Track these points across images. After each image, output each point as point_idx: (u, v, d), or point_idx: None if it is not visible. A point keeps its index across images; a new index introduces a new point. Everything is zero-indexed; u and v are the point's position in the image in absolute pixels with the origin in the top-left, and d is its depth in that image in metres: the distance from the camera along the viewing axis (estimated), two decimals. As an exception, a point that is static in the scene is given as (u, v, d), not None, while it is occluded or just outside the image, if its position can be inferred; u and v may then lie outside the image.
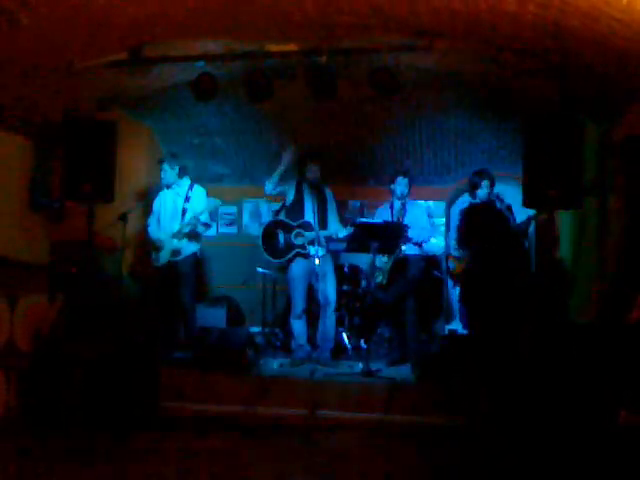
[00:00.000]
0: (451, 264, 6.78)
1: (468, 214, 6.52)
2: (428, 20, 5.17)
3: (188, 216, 6.80)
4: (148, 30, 5.47)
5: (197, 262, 7.14)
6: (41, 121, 6.47)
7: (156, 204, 7.08)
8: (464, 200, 7.58)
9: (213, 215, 6.83)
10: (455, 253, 6.68)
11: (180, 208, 6.89)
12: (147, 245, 7.18)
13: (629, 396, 4.02)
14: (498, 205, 6.28)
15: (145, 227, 7.17)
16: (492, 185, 6.45)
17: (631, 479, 3.68)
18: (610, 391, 4.22)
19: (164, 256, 6.82)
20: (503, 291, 5.94)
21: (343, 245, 6.74)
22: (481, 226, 6.28)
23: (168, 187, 6.97)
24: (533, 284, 5.77)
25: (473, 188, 6.50)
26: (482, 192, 6.41)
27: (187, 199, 6.90)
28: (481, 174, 6.49)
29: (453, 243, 6.75)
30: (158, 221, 7.01)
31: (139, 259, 7.94)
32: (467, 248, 6.46)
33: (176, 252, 6.81)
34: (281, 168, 6.58)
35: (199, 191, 6.98)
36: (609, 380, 4.28)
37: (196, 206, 6.86)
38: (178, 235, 6.78)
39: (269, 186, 6.65)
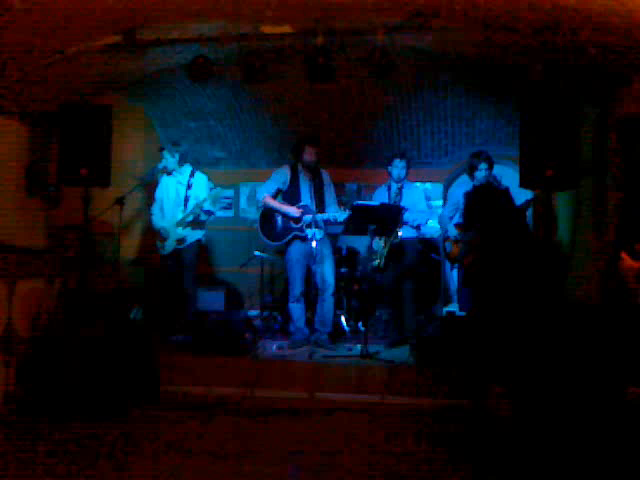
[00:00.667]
0: (448, 246, 6.77)
1: (473, 196, 6.48)
2: (424, 0, 5.14)
3: (191, 204, 6.89)
4: (142, 13, 5.43)
5: (200, 248, 7.21)
6: (36, 106, 6.44)
7: (158, 192, 7.13)
8: (462, 182, 7.56)
9: (216, 202, 6.90)
10: (452, 235, 6.67)
11: (183, 196, 6.98)
12: (146, 230, 7.19)
13: (637, 372, 4.04)
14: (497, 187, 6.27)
15: (149, 216, 7.23)
16: (490, 167, 6.44)
17: None
18: (617, 368, 4.23)
19: (170, 245, 6.94)
20: (510, 272, 5.92)
21: (341, 228, 6.74)
22: (487, 208, 6.25)
23: (169, 174, 6.99)
24: (537, 264, 5.76)
25: (471, 170, 6.49)
26: (480, 174, 6.41)
27: (189, 186, 6.99)
28: (479, 156, 6.47)
29: (451, 227, 6.72)
30: (161, 209, 7.07)
31: (138, 243, 7.96)
32: (473, 230, 6.43)
33: (181, 240, 6.93)
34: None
35: (200, 178, 7.05)
36: (615, 358, 4.28)
37: (198, 193, 6.94)
38: (182, 223, 6.88)
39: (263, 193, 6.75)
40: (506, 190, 6.29)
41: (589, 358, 4.44)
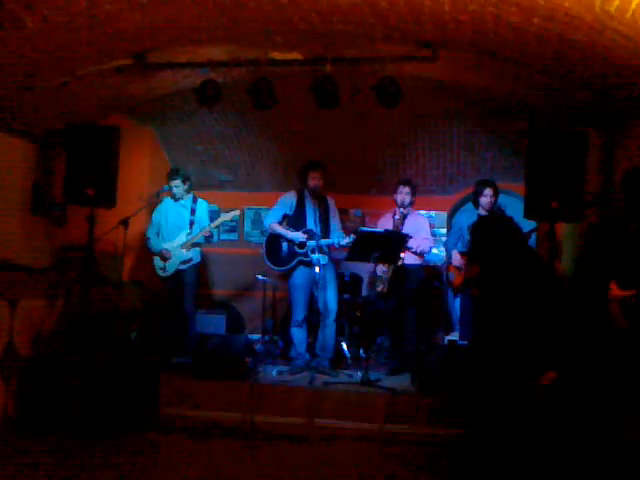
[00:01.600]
0: (451, 275, 6.75)
1: (478, 228, 6.45)
2: (432, 30, 5.19)
3: (196, 228, 7.03)
4: (152, 36, 5.49)
5: (200, 270, 7.27)
6: (44, 125, 6.48)
7: (156, 216, 7.20)
8: (466, 209, 7.56)
9: (220, 226, 7.15)
10: (455, 263, 6.65)
11: (187, 220, 7.09)
12: (149, 253, 7.21)
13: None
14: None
15: (145, 240, 7.28)
16: (495, 194, 6.43)
17: None
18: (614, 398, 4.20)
19: (172, 266, 6.97)
20: (519, 301, 5.87)
21: (344, 254, 6.74)
22: (493, 238, 6.23)
23: (176, 200, 7.11)
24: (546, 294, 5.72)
25: (476, 196, 6.49)
26: (484, 200, 6.40)
27: (192, 211, 7.12)
28: (484, 182, 6.49)
29: (454, 255, 6.68)
30: (158, 233, 7.14)
31: (141, 265, 7.95)
32: (480, 260, 6.39)
33: (187, 261, 7.00)
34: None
35: (202, 203, 7.23)
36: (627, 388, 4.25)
37: (200, 218, 7.12)
38: (187, 246, 6.95)
39: (270, 219, 6.82)
40: (511, 219, 6.28)
41: (594, 387, 4.42)
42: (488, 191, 6.40)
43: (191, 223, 7.06)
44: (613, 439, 4.04)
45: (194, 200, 7.17)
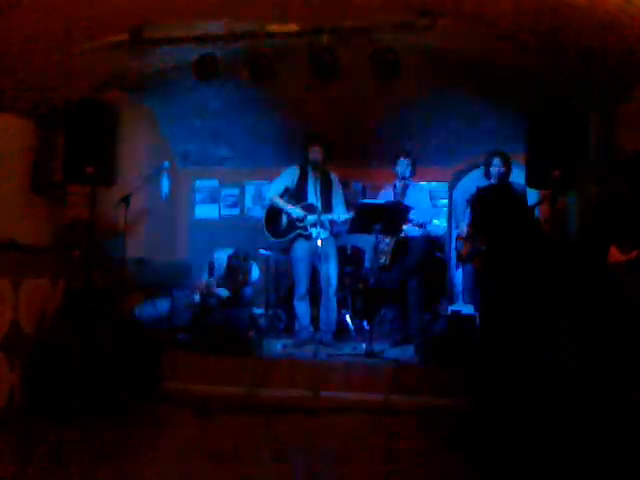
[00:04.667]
0: (460, 245, 6.72)
1: (479, 199, 6.43)
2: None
3: None
4: (148, 11, 5.44)
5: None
6: (42, 104, 6.44)
7: None
8: (474, 177, 7.53)
9: None
10: (463, 233, 6.62)
11: None
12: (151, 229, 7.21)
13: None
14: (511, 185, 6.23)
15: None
16: (505, 164, 6.36)
17: None
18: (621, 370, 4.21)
19: None
20: (523, 272, 5.88)
21: (346, 227, 6.73)
22: (495, 210, 6.21)
23: None
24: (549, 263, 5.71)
25: (486, 167, 6.44)
26: (494, 170, 6.35)
27: None
28: (492, 153, 6.42)
29: (462, 226, 6.66)
30: None
31: (143, 242, 7.95)
32: (483, 232, 6.38)
33: None
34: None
35: None
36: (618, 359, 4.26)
37: None
38: None
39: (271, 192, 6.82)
40: (509, 186, 6.25)
41: (598, 359, 4.42)
42: (497, 161, 6.34)
43: None
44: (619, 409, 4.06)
45: None
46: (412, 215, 6.52)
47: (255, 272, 7.57)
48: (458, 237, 6.78)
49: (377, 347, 6.18)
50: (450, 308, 7.84)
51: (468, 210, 6.64)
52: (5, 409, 5.08)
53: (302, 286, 6.70)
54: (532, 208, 6.28)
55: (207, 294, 7.34)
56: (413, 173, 6.81)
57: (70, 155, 5.83)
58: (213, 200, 7.44)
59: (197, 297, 7.22)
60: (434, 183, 8.62)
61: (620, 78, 5.54)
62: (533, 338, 5.03)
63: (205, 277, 7.46)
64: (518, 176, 6.17)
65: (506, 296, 5.78)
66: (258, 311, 7.80)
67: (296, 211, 6.61)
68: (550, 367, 4.69)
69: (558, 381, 4.54)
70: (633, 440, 3.80)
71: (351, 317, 7.48)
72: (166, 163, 7.06)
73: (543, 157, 5.27)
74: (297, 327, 6.80)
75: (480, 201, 6.32)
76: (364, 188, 8.72)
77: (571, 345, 4.69)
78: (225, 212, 8.92)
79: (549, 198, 5.52)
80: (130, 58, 6.39)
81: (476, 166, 7.97)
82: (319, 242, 6.27)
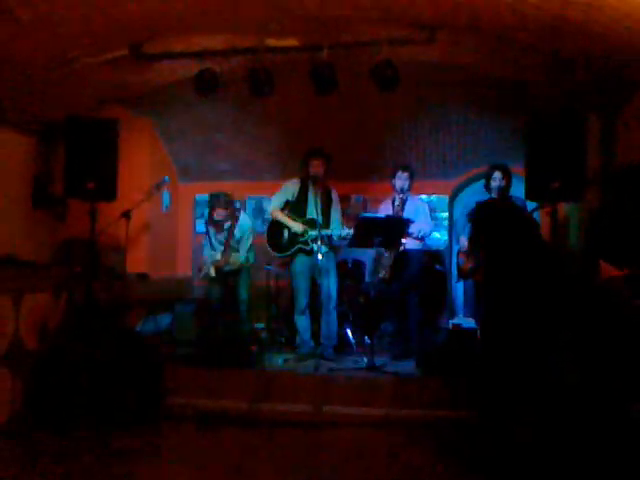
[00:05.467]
0: (461, 260, 6.71)
1: (477, 214, 6.42)
2: (429, 12, 5.17)
3: None
4: (149, 26, 5.47)
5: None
6: (43, 119, 6.47)
7: None
8: (473, 192, 7.52)
9: None
10: (463, 248, 6.62)
11: None
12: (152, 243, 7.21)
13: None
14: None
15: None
16: (505, 177, 6.36)
17: None
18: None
19: None
20: (524, 286, 5.86)
21: (342, 242, 6.74)
22: (494, 225, 6.20)
23: None
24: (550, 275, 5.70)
25: (486, 180, 6.44)
26: (494, 184, 6.34)
27: None
28: (493, 166, 6.40)
29: (463, 241, 6.64)
30: None
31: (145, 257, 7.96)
32: (483, 247, 6.37)
33: None
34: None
35: None
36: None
37: None
38: None
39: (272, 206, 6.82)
40: (509, 200, 6.26)
41: (599, 371, 4.41)
42: (497, 174, 6.32)
43: None
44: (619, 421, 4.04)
45: None
46: (411, 228, 6.53)
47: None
48: (459, 252, 6.77)
49: (378, 361, 6.16)
50: (451, 322, 7.84)
51: (468, 225, 6.64)
52: (8, 422, 5.08)
53: (302, 300, 6.68)
54: (531, 213, 6.28)
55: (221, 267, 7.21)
56: (411, 186, 6.81)
57: (71, 170, 5.84)
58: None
59: (212, 271, 7.14)
60: (434, 196, 8.62)
61: (618, 89, 5.56)
62: (534, 351, 5.02)
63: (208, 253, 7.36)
64: (518, 188, 6.18)
65: (507, 309, 5.76)
66: (260, 325, 7.79)
67: (297, 226, 6.62)
68: (551, 380, 4.68)
69: (559, 393, 4.53)
70: (633, 452, 3.78)
71: (352, 331, 7.47)
72: (166, 178, 7.06)
73: (542, 169, 5.27)
74: (298, 341, 6.78)
75: (479, 216, 6.32)
76: (365, 200, 8.73)
77: (572, 358, 4.68)
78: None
79: (549, 209, 5.51)
80: (131, 73, 6.43)
81: (476, 179, 7.99)
82: (320, 256, 6.27)
